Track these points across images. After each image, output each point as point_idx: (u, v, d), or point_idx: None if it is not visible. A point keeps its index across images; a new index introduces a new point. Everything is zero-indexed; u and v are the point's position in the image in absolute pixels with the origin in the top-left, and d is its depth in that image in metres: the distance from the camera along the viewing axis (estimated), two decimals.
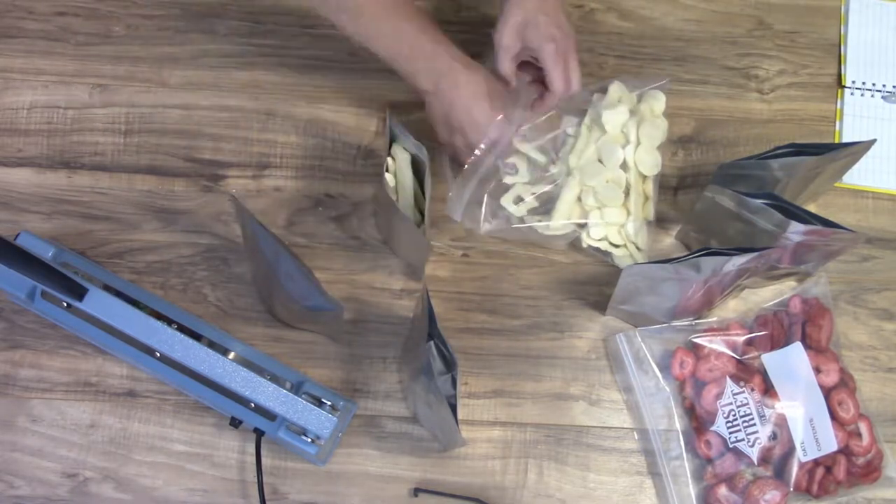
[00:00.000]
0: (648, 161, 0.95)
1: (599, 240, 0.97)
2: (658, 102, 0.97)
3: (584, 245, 0.98)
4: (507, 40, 0.91)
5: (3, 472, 0.92)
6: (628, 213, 0.96)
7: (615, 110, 0.95)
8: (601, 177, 0.95)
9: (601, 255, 0.99)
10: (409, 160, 0.94)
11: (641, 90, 0.98)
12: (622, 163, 0.95)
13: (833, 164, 0.95)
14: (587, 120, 0.97)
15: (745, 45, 1.10)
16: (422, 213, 0.93)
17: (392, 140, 0.93)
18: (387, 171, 0.92)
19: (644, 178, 0.97)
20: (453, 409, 0.80)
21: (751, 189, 0.89)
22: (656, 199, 0.98)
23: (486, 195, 0.96)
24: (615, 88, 0.97)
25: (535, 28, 0.90)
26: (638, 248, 0.98)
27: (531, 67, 0.95)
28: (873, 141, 0.93)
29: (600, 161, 0.95)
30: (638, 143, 0.95)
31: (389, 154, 0.93)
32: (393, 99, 1.04)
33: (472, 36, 1.04)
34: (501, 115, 0.91)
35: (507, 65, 0.93)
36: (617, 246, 0.98)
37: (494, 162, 0.95)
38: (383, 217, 0.96)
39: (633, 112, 0.96)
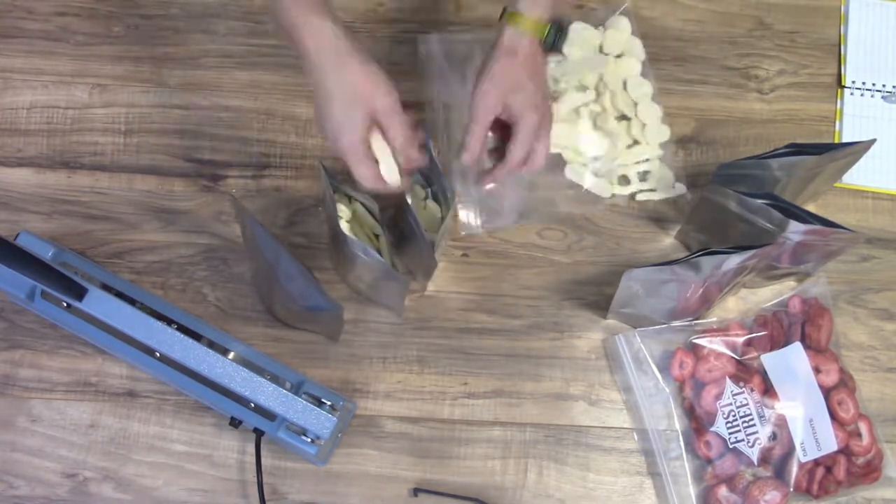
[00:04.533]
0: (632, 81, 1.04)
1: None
2: (622, 29, 1.06)
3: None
4: (492, 101, 0.84)
5: (3, 472, 0.92)
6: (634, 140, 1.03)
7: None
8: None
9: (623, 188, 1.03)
10: (357, 210, 0.94)
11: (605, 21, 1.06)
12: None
13: (833, 164, 0.95)
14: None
15: (745, 45, 1.10)
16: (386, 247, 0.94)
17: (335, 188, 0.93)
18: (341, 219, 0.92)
19: (635, 104, 1.03)
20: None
21: (751, 189, 0.89)
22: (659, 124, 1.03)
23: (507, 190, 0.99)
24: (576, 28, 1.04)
25: (523, 93, 0.84)
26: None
27: (494, 128, 0.89)
28: (873, 141, 0.93)
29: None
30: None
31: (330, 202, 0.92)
32: None
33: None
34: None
35: (481, 132, 0.85)
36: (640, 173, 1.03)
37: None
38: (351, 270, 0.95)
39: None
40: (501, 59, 0.85)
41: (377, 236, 0.94)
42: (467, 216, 1.00)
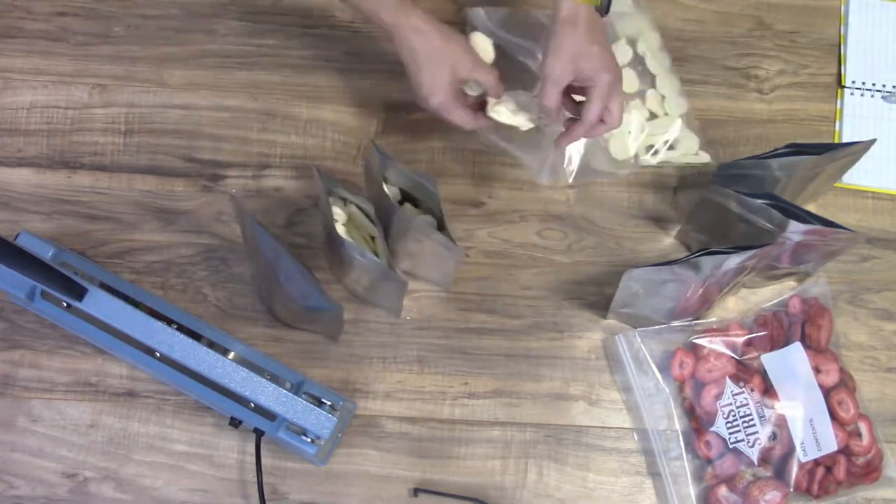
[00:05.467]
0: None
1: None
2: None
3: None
4: (560, 70, 0.88)
5: (3, 472, 0.92)
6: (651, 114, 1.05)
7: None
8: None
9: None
10: (352, 213, 0.94)
11: None
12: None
13: (833, 164, 0.95)
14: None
15: (745, 45, 1.10)
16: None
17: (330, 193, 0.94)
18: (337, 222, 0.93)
19: (653, 76, 1.06)
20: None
21: (751, 189, 0.89)
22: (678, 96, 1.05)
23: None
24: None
25: (590, 58, 0.87)
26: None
27: (565, 98, 0.92)
28: (873, 141, 0.93)
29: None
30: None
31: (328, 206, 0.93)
32: (392, 99, 1.04)
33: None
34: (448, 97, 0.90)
35: (554, 97, 0.89)
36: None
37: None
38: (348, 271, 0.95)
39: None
40: (564, 29, 0.88)
41: (373, 238, 0.94)
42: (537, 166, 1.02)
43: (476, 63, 0.91)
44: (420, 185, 0.91)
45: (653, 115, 1.05)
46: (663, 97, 1.05)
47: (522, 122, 0.93)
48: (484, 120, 0.93)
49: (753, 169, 0.92)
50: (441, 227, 0.91)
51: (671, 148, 1.04)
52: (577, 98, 0.92)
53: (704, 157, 1.04)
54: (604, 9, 0.89)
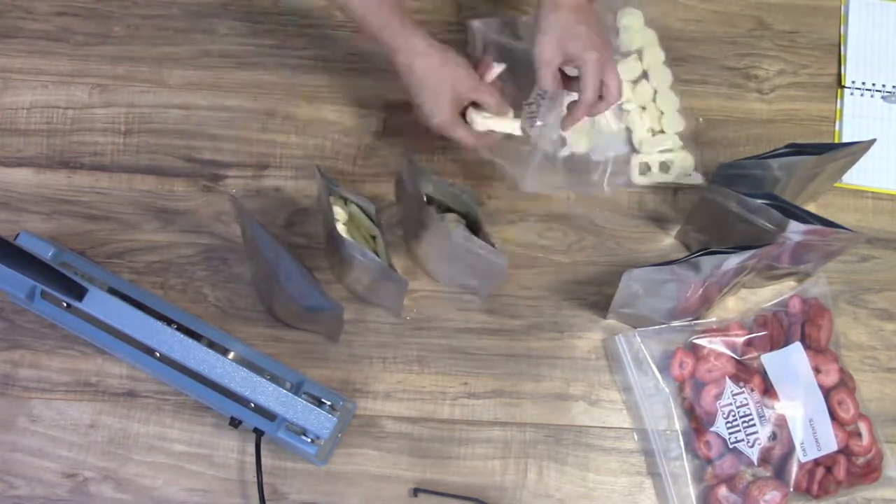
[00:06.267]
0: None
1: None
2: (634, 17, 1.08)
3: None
4: (549, 54, 0.90)
5: (3, 472, 0.92)
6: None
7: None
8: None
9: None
10: (353, 213, 0.95)
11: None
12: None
13: (833, 164, 0.95)
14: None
15: (745, 45, 1.10)
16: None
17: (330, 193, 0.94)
18: (338, 221, 0.93)
19: (654, 92, 1.06)
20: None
21: (751, 189, 0.89)
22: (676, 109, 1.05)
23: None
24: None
25: (577, 39, 0.89)
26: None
27: (563, 80, 0.94)
28: (873, 141, 0.93)
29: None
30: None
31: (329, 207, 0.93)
32: (392, 99, 1.04)
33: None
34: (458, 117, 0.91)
35: (549, 79, 0.92)
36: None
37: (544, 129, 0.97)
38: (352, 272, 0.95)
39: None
40: (549, 13, 0.90)
41: (374, 238, 0.94)
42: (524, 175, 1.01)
43: (477, 83, 0.92)
44: (454, 195, 0.94)
45: (660, 131, 1.05)
46: (662, 113, 1.05)
47: (512, 126, 0.94)
48: (485, 138, 0.94)
49: (753, 169, 0.92)
50: (475, 231, 0.92)
51: (665, 170, 1.03)
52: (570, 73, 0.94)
53: (697, 179, 1.03)
54: None
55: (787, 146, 0.91)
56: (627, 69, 1.05)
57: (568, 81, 0.94)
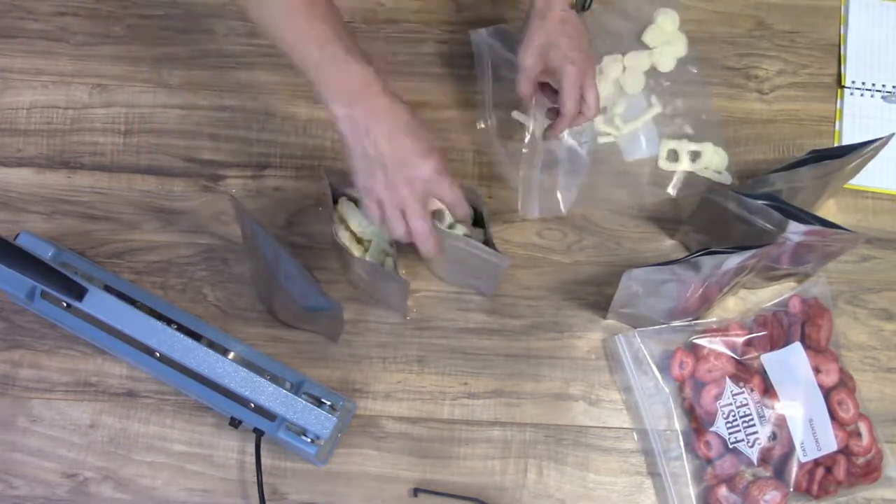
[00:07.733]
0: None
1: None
2: (669, 18, 1.08)
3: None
4: (530, 61, 0.91)
5: (2, 472, 0.92)
6: None
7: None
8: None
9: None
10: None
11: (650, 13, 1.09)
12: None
13: (850, 167, 0.94)
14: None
15: (745, 45, 1.10)
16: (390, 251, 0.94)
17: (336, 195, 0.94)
18: (339, 228, 0.93)
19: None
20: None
21: (786, 200, 0.89)
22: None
23: (560, 178, 1.01)
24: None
25: (557, 49, 0.90)
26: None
27: (548, 92, 0.95)
28: (892, 135, 0.92)
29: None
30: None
31: (336, 210, 0.93)
32: None
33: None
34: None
35: (526, 86, 0.92)
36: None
37: (546, 147, 0.98)
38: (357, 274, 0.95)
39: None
40: (535, 23, 0.91)
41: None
42: (523, 201, 1.01)
43: (438, 174, 0.80)
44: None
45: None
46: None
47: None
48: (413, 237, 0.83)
49: (785, 182, 0.92)
50: (481, 229, 0.93)
51: (694, 160, 1.03)
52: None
53: (726, 178, 1.03)
54: (579, 6, 0.93)
55: (809, 153, 0.91)
56: (639, 62, 1.06)
57: (554, 94, 0.94)
